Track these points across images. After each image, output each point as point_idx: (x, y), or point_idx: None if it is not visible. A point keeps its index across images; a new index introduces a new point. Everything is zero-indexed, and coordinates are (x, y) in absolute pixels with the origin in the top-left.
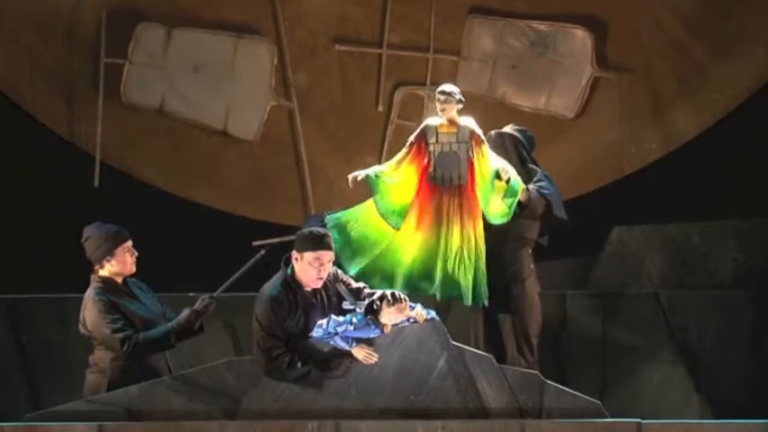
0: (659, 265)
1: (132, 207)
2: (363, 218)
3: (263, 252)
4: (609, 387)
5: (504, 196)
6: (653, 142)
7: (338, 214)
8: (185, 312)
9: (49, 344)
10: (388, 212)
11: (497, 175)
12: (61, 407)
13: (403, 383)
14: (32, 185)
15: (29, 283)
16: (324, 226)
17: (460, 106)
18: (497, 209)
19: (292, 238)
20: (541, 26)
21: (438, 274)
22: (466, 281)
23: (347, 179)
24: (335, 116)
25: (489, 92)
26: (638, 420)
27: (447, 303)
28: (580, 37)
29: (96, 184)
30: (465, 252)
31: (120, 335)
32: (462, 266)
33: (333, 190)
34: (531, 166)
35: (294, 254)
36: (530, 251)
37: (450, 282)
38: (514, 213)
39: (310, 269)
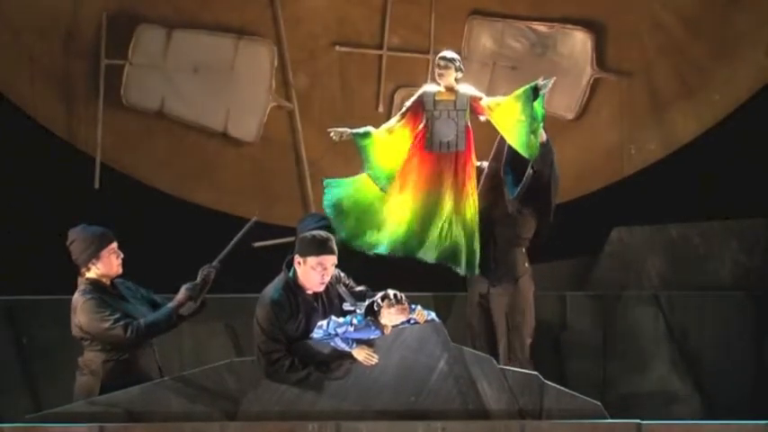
0: (659, 266)
1: (132, 208)
2: (360, 184)
3: (256, 217)
4: (609, 387)
5: (534, 120)
6: (653, 143)
7: (336, 179)
8: (183, 289)
9: (49, 345)
10: (377, 175)
11: (535, 91)
12: (62, 408)
13: (403, 384)
14: (32, 187)
15: (29, 284)
16: (319, 226)
17: (459, 74)
18: (533, 142)
19: (293, 239)
20: (541, 27)
21: (433, 239)
22: (460, 247)
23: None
24: (336, 117)
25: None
26: (638, 421)
27: (447, 304)
28: (580, 38)
29: (97, 185)
30: (461, 217)
31: (120, 323)
32: (457, 232)
33: None
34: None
35: (297, 258)
36: (524, 250)
37: (445, 246)
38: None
39: (314, 273)
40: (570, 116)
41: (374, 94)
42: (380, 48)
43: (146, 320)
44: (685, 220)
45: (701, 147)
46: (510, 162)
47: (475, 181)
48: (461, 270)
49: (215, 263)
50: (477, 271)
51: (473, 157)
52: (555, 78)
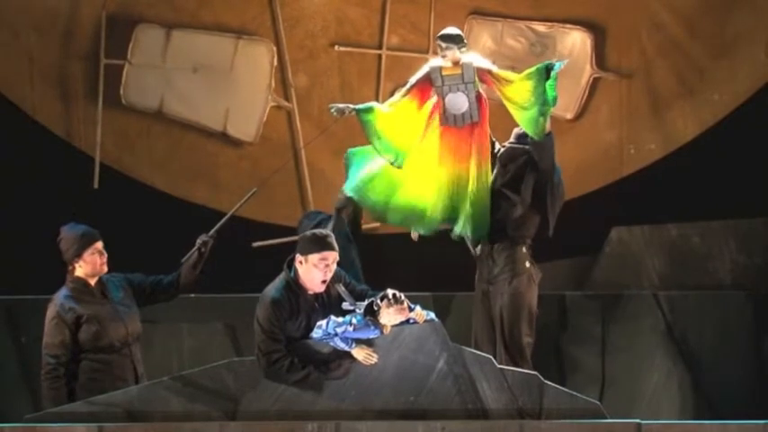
0: (659, 266)
1: (132, 208)
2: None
3: (255, 190)
4: (608, 387)
5: (545, 103)
6: (652, 143)
7: (357, 149)
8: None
9: None
10: (384, 149)
11: (547, 70)
12: (61, 408)
13: (402, 384)
14: (32, 186)
15: (28, 283)
16: (320, 223)
17: (464, 49)
18: (541, 123)
19: (294, 239)
20: (541, 27)
21: (452, 210)
22: (473, 215)
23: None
24: (335, 117)
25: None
26: (637, 421)
27: (447, 304)
28: (580, 38)
29: (96, 184)
30: (477, 187)
31: (45, 358)
32: (473, 201)
33: (332, 191)
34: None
35: (298, 257)
36: (524, 249)
37: (460, 216)
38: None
39: (316, 271)
40: (569, 116)
41: (373, 94)
42: (380, 47)
43: (67, 373)
44: (685, 220)
45: (701, 147)
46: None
47: (490, 150)
48: (474, 235)
49: (212, 232)
50: (485, 236)
51: (487, 126)
52: (567, 60)
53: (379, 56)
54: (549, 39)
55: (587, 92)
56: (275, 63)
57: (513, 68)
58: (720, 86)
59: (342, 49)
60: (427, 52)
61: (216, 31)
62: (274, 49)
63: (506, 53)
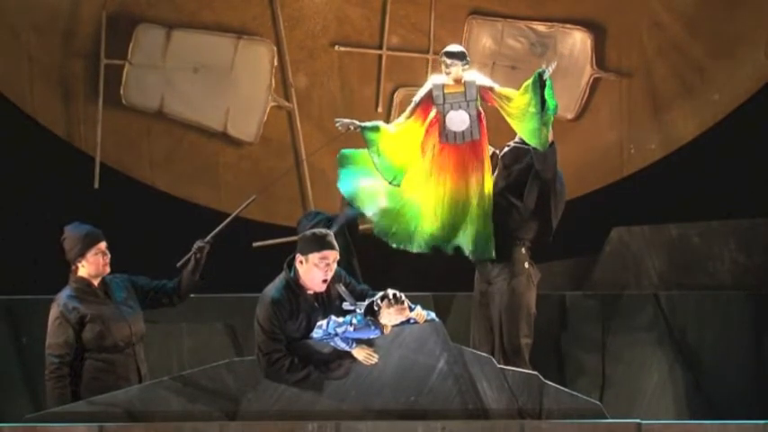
0: (659, 266)
1: (132, 208)
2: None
3: (254, 197)
4: (608, 387)
5: (546, 112)
6: (653, 143)
7: (349, 150)
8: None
9: None
10: (385, 169)
11: (540, 78)
12: (61, 408)
13: (403, 384)
14: (32, 186)
15: (28, 283)
16: (319, 223)
17: (467, 67)
18: (543, 133)
19: (294, 239)
20: (541, 27)
21: (452, 228)
22: (475, 234)
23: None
24: (335, 117)
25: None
26: (637, 421)
27: (447, 304)
28: (580, 38)
29: (96, 185)
30: (477, 205)
31: (49, 358)
32: (473, 219)
33: (332, 191)
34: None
35: (298, 256)
36: (523, 250)
37: (461, 234)
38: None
39: (316, 270)
40: (570, 116)
41: (373, 94)
42: (380, 48)
43: (70, 374)
44: (685, 220)
45: (701, 147)
46: (510, 186)
47: (490, 167)
48: (471, 254)
49: (208, 238)
50: (492, 255)
51: (486, 143)
52: (556, 63)
53: (380, 56)
54: (550, 39)
55: (587, 92)
56: (275, 63)
57: (513, 68)
58: (720, 86)
59: (342, 49)
60: (427, 52)
61: (216, 32)
62: (275, 49)
63: (506, 53)
